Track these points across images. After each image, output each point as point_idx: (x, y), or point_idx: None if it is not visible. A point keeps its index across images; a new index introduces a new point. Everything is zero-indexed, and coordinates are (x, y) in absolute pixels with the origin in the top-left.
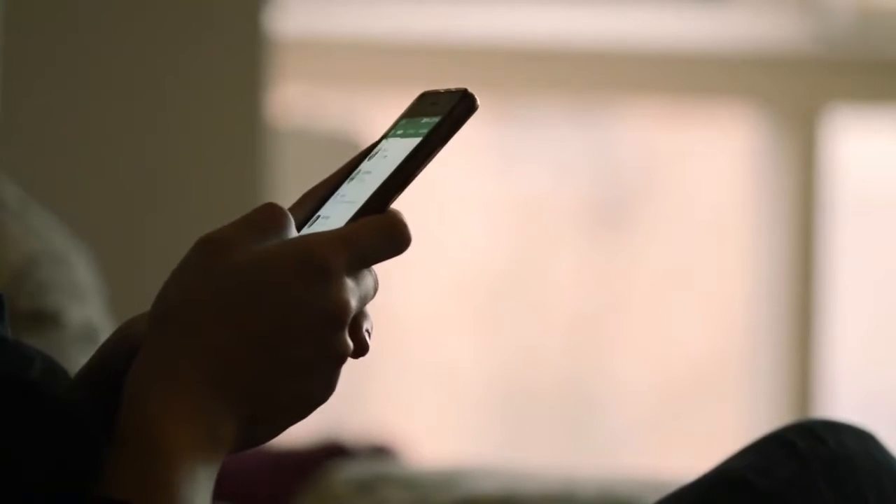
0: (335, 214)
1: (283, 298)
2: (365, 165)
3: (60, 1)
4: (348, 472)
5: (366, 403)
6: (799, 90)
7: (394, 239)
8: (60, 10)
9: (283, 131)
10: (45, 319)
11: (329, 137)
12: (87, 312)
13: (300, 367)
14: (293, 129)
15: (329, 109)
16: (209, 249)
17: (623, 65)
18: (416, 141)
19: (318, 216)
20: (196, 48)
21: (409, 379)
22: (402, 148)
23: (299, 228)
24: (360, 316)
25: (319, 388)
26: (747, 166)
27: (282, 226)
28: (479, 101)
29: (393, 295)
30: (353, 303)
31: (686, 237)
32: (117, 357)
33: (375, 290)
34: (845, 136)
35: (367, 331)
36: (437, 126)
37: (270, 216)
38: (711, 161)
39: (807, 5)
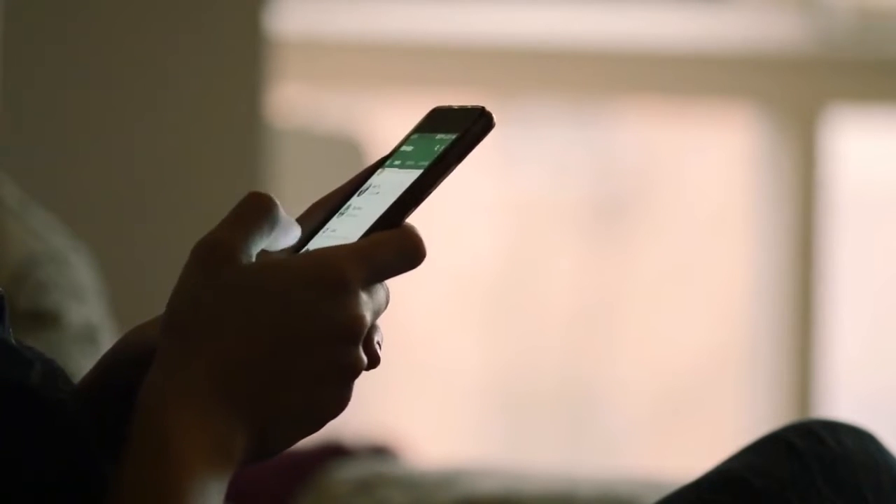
0: (346, 227)
1: (298, 311)
2: (375, 180)
3: (60, 1)
4: (348, 472)
5: (366, 403)
6: (799, 90)
7: (409, 254)
8: (60, 10)
9: (283, 131)
10: (45, 319)
11: (329, 137)
12: (87, 312)
13: (312, 380)
14: (293, 129)
15: (329, 109)
16: (213, 255)
17: (623, 65)
18: (431, 158)
19: (327, 228)
20: (196, 48)
21: (408, 379)
22: (416, 164)
23: (307, 240)
24: (372, 329)
25: (331, 401)
26: (747, 166)
27: (272, 219)
28: (496, 120)
29: (393, 295)
30: (368, 317)
31: (686, 237)
32: (121, 364)
33: (387, 303)
34: (845, 136)
35: (378, 343)
36: (454, 144)
37: (257, 209)
38: (711, 161)
39: (807, 5)
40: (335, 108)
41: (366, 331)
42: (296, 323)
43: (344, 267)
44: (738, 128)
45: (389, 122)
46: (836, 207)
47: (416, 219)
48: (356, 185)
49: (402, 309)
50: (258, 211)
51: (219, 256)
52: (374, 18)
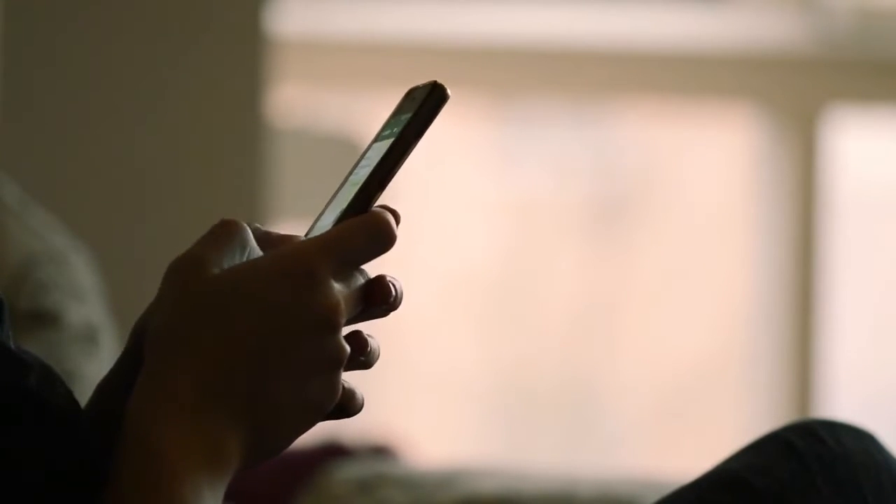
0: (325, 221)
1: (271, 308)
2: (357, 168)
3: (60, 1)
4: (348, 472)
5: (366, 403)
6: (799, 90)
7: (377, 237)
8: (60, 11)
9: (283, 131)
10: (45, 319)
11: (329, 137)
12: (87, 312)
13: (297, 374)
14: (293, 129)
15: (329, 109)
16: (183, 270)
17: (623, 65)
18: (392, 139)
19: (316, 223)
20: (196, 48)
21: (409, 379)
22: (383, 147)
23: (307, 231)
24: (356, 318)
25: (320, 393)
26: (747, 166)
27: (243, 239)
28: (449, 91)
29: None
30: (343, 305)
31: (686, 237)
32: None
33: (386, 299)
34: (845, 136)
35: (366, 334)
36: (409, 122)
37: (228, 231)
38: (711, 161)
39: (807, 5)
40: (335, 108)
41: (343, 319)
42: (271, 320)
43: (310, 259)
44: (738, 128)
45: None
46: (837, 207)
47: (415, 218)
48: (351, 169)
49: (402, 309)
50: (228, 233)
51: (191, 270)
52: (374, 18)
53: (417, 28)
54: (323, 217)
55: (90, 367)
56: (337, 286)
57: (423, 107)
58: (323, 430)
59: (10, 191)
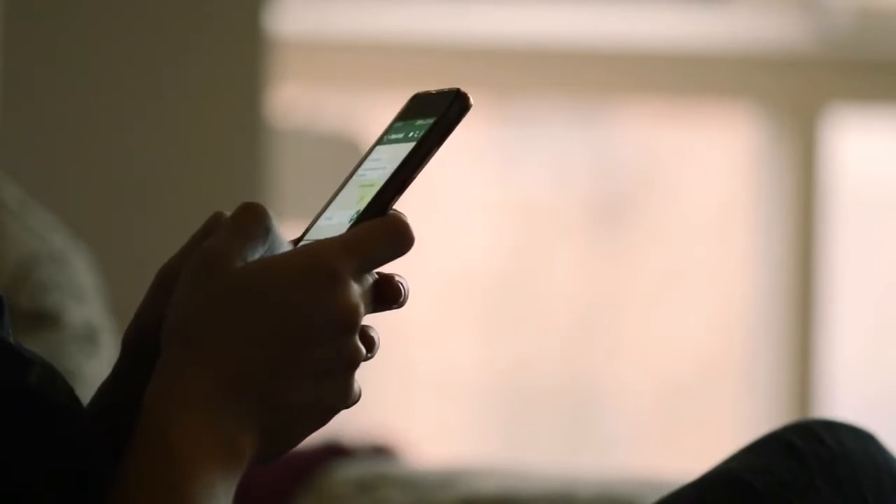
0: (334, 221)
1: (293, 307)
2: (362, 170)
3: (60, 1)
4: (348, 472)
5: (366, 404)
6: (799, 90)
7: (397, 240)
8: (60, 10)
9: (283, 131)
10: (45, 319)
11: (329, 137)
12: (87, 312)
13: (314, 373)
14: (293, 129)
15: (329, 109)
16: (208, 264)
17: (623, 65)
18: (412, 143)
19: (317, 223)
20: (196, 48)
21: (409, 379)
22: (398, 151)
23: (302, 236)
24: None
25: (335, 393)
26: (747, 166)
27: (267, 227)
28: (472, 101)
29: None
30: (362, 307)
31: (686, 237)
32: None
33: (392, 300)
34: (845, 136)
35: (372, 335)
36: (433, 128)
37: (253, 218)
38: (711, 161)
39: (807, 5)
40: (335, 108)
41: (361, 321)
42: (292, 319)
43: (332, 259)
44: (738, 128)
45: (387, 123)
46: (837, 207)
47: (416, 218)
48: (349, 178)
49: (402, 309)
50: (253, 221)
51: (214, 264)
52: (374, 18)
53: (418, 28)
54: (326, 217)
55: (90, 367)
56: (356, 287)
57: (446, 114)
58: (323, 430)
59: (10, 191)
